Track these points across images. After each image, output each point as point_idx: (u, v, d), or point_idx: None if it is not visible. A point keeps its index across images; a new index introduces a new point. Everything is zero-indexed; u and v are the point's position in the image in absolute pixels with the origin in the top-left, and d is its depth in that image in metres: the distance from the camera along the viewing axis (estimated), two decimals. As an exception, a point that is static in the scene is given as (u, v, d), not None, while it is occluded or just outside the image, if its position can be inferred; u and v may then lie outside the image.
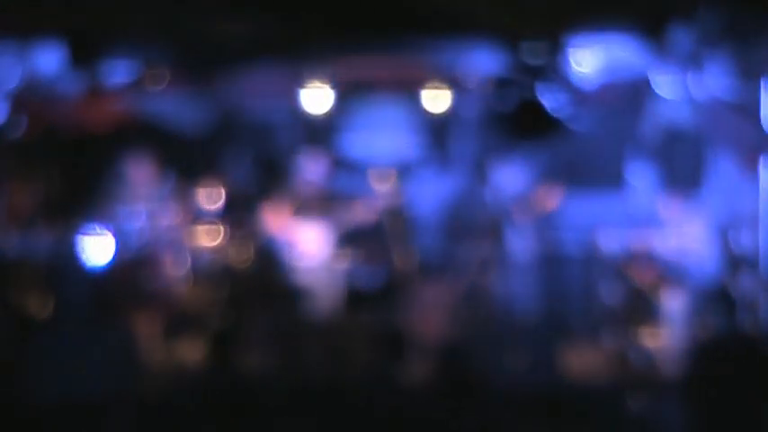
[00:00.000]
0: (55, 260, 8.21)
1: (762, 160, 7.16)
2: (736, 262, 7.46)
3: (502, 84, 7.30)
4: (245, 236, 8.34)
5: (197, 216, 8.46)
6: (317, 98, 8.46)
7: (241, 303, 7.98)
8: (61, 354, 6.97)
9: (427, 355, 7.33)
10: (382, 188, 8.60)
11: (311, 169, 8.47)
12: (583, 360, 7.61)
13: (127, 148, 8.38)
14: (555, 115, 7.07)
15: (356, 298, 8.16)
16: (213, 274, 8.23)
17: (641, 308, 7.63)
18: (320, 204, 8.32)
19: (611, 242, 7.87)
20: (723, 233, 7.62)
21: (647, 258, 7.71)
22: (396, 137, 9.19)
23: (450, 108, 8.50)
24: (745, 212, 7.47)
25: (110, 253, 7.95)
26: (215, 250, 8.33)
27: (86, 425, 6.06)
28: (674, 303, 7.49)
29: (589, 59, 7.37)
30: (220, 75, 8.29)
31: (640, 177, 7.94)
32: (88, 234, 8.02)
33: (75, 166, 8.94)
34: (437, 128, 9.19)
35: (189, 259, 8.20)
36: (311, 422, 5.96)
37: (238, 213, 8.47)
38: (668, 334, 7.38)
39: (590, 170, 8.80)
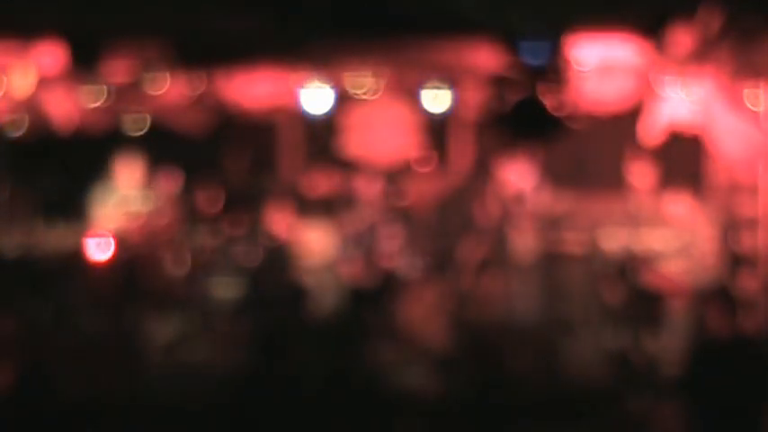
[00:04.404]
0: (56, 259, 8.22)
1: (761, 160, 7.16)
2: (736, 262, 7.46)
3: (502, 84, 7.30)
4: (246, 236, 8.35)
5: (197, 216, 8.47)
6: (317, 98, 8.46)
7: (242, 303, 7.99)
8: (62, 353, 6.97)
9: (427, 355, 7.33)
10: (382, 188, 8.61)
11: (314, 170, 8.50)
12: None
13: (126, 148, 8.39)
14: (555, 115, 7.07)
15: (357, 298, 8.16)
16: (214, 273, 8.24)
17: (642, 308, 7.63)
18: (322, 204, 8.33)
19: (611, 242, 7.87)
20: (723, 233, 7.63)
21: (648, 258, 7.71)
22: (396, 137, 9.19)
23: (450, 108, 8.51)
24: (745, 213, 7.48)
25: (109, 252, 7.95)
26: (215, 250, 8.34)
27: (86, 423, 6.06)
28: (674, 303, 7.49)
29: (589, 59, 7.37)
30: (220, 74, 8.30)
31: (640, 177, 7.94)
32: (88, 233, 8.03)
33: (75, 166, 8.94)
34: (437, 128, 9.19)
35: (189, 259, 8.21)
36: (311, 421, 5.95)
37: (238, 214, 8.48)
38: (669, 334, 7.38)
39: (590, 170, 8.80)
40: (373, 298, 8.14)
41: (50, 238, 8.45)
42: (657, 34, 6.88)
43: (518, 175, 8.11)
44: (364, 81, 8.66)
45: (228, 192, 8.64)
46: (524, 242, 8.04)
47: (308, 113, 8.58)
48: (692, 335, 6.57)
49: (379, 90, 8.89)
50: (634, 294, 7.68)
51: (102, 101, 8.27)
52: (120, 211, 8.15)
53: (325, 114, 8.64)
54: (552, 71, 7.01)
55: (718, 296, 5.94)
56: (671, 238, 7.71)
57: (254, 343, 7.51)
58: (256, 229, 8.33)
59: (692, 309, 7.15)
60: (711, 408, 5.39)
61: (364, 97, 8.88)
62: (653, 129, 7.42)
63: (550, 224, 8.11)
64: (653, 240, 7.73)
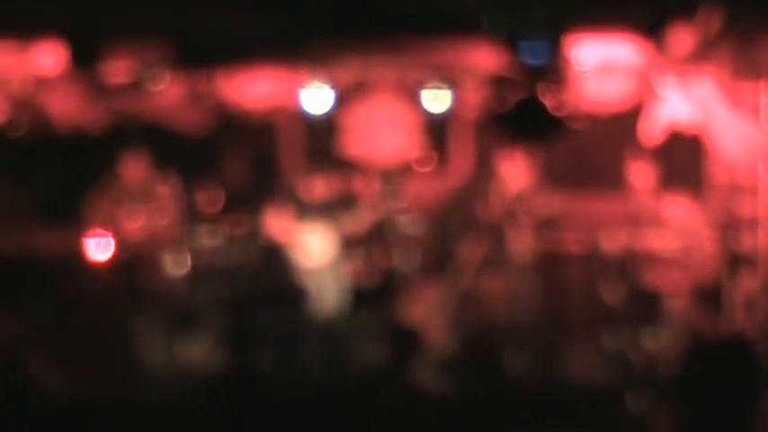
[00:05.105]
0: (55, 260, 8.22)
1: (761, 160, 7.16)
2: (736, 262, 7.46)
3: (502, 84, 7.29)
4: (246, 236, 8.35)
5: (197, 216, 8.47)
6: (317, 98, 8.47)
7: (242, 303, 7.99)
8: (62, 353, 6.97)
9: (427, 355, 7.33)
10: (382, 188, 8.61)
11: (313, 170, 8.50)
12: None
13: (127, 147, 8.39)
14: (555, 115, 7.06)
15: (357, 298, 8.17)
16: (214, 273, 8.23)
17: (642, 308, 7.63)
18: (321, 204, 8.33)
19: (611, 242, 7.87)
20: (723, 233, 7.63)
21: (648, 258, 7.71)
22: (396, 137, 9.19)
23: (450, 108, 8.51)
24: (745, 213, 7.47)
25: (109, 252, 7.95)
26: (215, 250, 8.34)
27: (87, 423, 6.06)
28: (674, 303, 7.49)
29: (589, 59, 7.37)
30: (220, 74, 8.29)
31: (640, 177, 7.94)
32: (88, 233, 8.03)
33: (74, 166, 8.94)
34: (437, 128, 9.19)
35: (189, 259, 8.21)
36: (311, 422, 5.95)
37: (238, 214, 8.48)
38: (669, 334, 7.38)
39: (590, 170, 8.80)
40: (373, 298, 8.14)
41: (50, 238, 8.45)
42: (657, 34, 6.87)
43: (515, 175, 8.11)
44: (364, 81, 8.66)
45: (228, 192, 8.64)
46: (524, 242, 8.04)
47: (308, 113, 8.59)
48: (691, 335, 6.57)
49: (379, 90, 8.90)
50: (634, 294, 7.68)
51: (102, 101, 8.27)
52: (120, 210, 8.15)
53: (325, 114, 8.64)
54: (552, 71, 7.00)
55: (708, 297, 5.94)
56: (671, 238, 7.71)
57: (252, 343, 7.52)
58: (256, 229, 8.33)
59: (692, 309, 7.15)
60: (704, 408, 5.38)
61: (364, 97, 8.88)
62: (653, 129, 7.41)
63: (550, 224, 8.12)
64: (653, 240, 7.73)
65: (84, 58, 7.62)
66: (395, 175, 8.80)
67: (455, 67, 8.09)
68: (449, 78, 8.31)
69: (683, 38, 6.76)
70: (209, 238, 8.37)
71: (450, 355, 7.34)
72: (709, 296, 6.14)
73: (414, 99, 8.69)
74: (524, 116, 7.09)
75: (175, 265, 8.15)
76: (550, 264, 8.18)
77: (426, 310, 7.95)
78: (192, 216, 8.45)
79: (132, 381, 7.25)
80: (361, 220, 8.34)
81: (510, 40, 6.89)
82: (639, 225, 7.80)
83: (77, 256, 7.93)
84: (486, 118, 8.09)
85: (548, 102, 7.01)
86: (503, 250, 7.99)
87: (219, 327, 7.67)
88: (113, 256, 7.91)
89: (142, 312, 7.87)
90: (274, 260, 8.13)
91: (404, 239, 8.38)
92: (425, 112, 8.63)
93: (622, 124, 7.91)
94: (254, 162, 9.02)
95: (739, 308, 7.21)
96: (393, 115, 9.10)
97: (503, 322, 7.79)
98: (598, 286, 7.88)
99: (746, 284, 7.28)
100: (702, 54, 6.72)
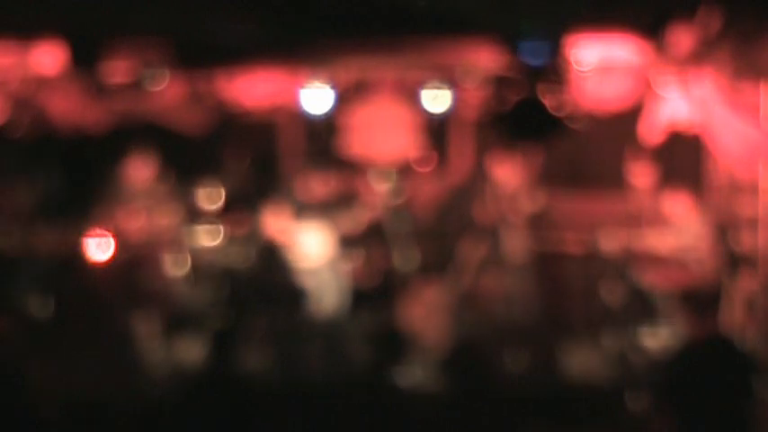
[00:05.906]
0: (55, 259, 8.22)
1: (761, 160, 7.16)
2: (736, 262, 7.46)
3: (502, 84, 7.30)
4: (246, 236, 8.35)
5: (197, 216, 8.48)
6: (317, 98, 8.47)
7: (241, 303, 7.99)
8: (62, 353, 6.97)
9: (426, 355, 7.33)
10: (382, 188, 8.61)
11: (313, 170, 8.49)
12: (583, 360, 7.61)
13: (127, 147, 8.39)
14: (555, 115, 7.07)
15: (357, 298, 8.16)
16: (213, 273, 8.24)
17: (641, 308, 7.63)
18: (321, 204, 8.33)
19: (611, 242, 7.87)
20: (723, 233, 7.63)
21: (648, 258, 7.71)
22: (396, 137, 9.19)
23: (450, 108, 8.51)
24: (745, 213, 7.47)
25: (109, 252, 7.95)
26: (215, 250, 8.34)
27: (87, 423, 6.06)
28: (673, 303, 7.49)
29: (589, 59, 7.37)
30: (220, 74, 8.30)
31: (640, 177, 7.94)
32: (88, 233, 8.03)
33: (75, 166, 8.94)
34: (437, 128, 9.19)
35: (189, 259, 8.21)
36: (311, 422, 5.95)
37: (238, 213, 8.48)
38: (668, 334, 7.38)
39: (590, 170, 8.80)
40: (372, 298, 8.14)
41: (51, 237, 8.45)
42: (657, 34, 6.87)
43: (510, 175, 8.10)
44: (364, 81, 8.66)
45: (228, 191, 8.64)
46: (523, 242, 8.04)
47: (308, 113, 8.59)
48: (690, 335, 6.57)
49: (379, 90, 8.90)
50: (634, 294, 7.68)
51: (102, 101, 8.28)
52: (120, 210, 8.15)
53: (325, 114, 8.64)
54: (552, 71, 7.01)
55: (704, 296, 5.94)
56: (670, 238, 7.71)
57: (251, 343, 7.52)
58: (256, 229, 8.33)
59: (691, 308, 7.15)
60: (697, 407, 5.39)
61: (364, 97, 8.88)
62: (653, 129, 7.41)
63: (537, 221, 8.12)
64: (653, 240, 7.73)
65: (84, 58, 7.62)
66: (395, 175, 8.80)
67: (455, 67, 8.09)
68: (449, 78, 8.32)
69: (683, 38, 6.76)
70: (209, 238, 8.37)
71: (449, 356, 7.34)
72: (705, 296, 6.13)
73: (414, 99, 8.69)
74: (524, 116, 7.10)
75: (175, 265, 8.15)
76: (550, 264, 8.18)
77: (426, 310, 7.95)
78: (192, 216, 8.46)
79: (131, 380, 7.25)
80: (359, 219, 8.33)
81: (510, 40, 6.89)
82: (639, 225, 7.80)
83: (77, 256, 7.93)
84: (486, 118, 8.10)
85: (548, 102, 7.01)
86: (502, 250, 7.98)
87: (219, 326, 7.67)
88: (113, 256, 7.91)
89: (141, 312, 7.86)
90: (274, 260, 8.12)
91: (403, 239, 8.38)
92: (425, 112, 8.63)
93: (622, 124, 7.91)
94: (254, 162, 9.02)
95: (739, 308, 7.20)
96: (393, 115, 9.10)
97: (502, 322, 7.79)
98: (597, 286, 7.88)
99: (746, 284, 7.27)
100: (702, 54, 6.72)
